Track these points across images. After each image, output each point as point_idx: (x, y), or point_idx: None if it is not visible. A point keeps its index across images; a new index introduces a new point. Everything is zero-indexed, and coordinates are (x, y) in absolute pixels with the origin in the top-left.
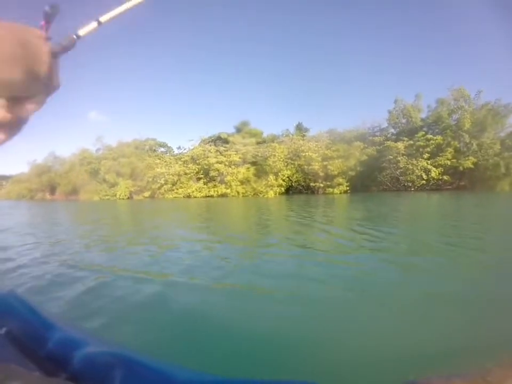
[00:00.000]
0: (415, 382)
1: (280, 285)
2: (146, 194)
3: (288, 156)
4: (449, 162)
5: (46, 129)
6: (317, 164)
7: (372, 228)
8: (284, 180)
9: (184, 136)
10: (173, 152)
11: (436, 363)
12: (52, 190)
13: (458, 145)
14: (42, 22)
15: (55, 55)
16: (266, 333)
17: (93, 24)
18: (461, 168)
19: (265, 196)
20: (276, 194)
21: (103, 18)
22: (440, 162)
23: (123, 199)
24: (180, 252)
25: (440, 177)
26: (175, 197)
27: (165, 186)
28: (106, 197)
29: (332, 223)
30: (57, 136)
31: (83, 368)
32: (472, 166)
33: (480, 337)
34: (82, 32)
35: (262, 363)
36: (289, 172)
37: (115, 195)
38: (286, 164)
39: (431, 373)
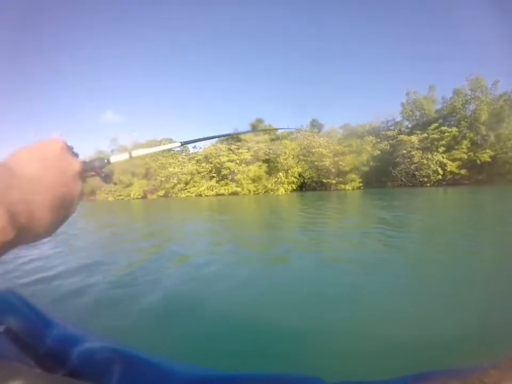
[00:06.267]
0: (413, 377)
1: (282, 277)
2: (161, 193)
3: (300, 152)
4: (465, 156)
5: (62, 130)
6: (328, 160)
7: (387, 220)
8: (294, 177)
9: (201, 136)
10: (189, 151)
11: (437, 357)
12: None
13: (475, 138)
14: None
15: (83, 177)
16: (268, 326)
17: (125, 155)
18: (478, 161)
19: (276, 193)
20: (286, 191)
21: (135, 153)
22: (456, 156)
23: (137, 198)
24: (184, 249)
25: (457, 172)
26: (187, 196)
27: (178, 185)
28: (120, 197)
29: (342, 216)
30: (73, 137)
31: (82, 364)
32: (489, 160)
33: (480, 335)
34: (113, 159)
35: (264, 357)
36: (300, 169)
37: (129, 195)
38: (297, 160)
39: (431, 368)
